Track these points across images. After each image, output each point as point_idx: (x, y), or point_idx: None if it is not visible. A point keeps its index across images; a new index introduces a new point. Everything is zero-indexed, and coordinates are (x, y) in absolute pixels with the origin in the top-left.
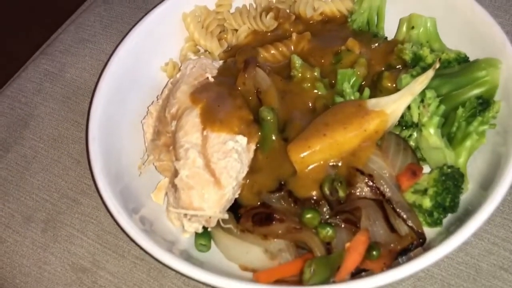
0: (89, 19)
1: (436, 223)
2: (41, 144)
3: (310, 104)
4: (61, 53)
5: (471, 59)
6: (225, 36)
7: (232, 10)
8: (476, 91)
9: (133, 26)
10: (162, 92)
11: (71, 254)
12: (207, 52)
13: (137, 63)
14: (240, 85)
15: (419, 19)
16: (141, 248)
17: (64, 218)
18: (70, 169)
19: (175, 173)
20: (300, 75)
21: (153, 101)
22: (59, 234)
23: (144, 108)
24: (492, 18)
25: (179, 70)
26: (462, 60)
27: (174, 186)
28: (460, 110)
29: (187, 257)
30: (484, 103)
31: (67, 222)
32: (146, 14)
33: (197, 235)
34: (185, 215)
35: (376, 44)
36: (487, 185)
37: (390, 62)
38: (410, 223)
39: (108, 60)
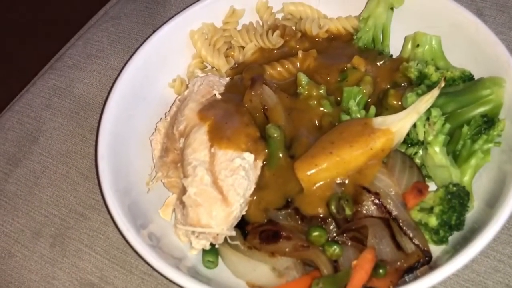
0: (97, 35)
1: (442, 241)
2: (49, 159)
3: (316, 122)
4: (69, 68)
5: (475, 77)
6: (232, 53)
7: (239, 28)
8: (481, 110)
9: (142, 43)
10: (170, 109)
11: (79, 269)
12: (214, 69)
13: (145, 79)
14: (247, 102)
15: (424, 37)
16: (148, 264)
17: (73, 233)
18: (78, 184)
19: (183, 190)
20: (306, 92)
21: (161, 118)
22: (67, 249)
23: (152, 125)
24: (496, 36)
25: (187, 86)
26: (467, 78)
27: (182, 203)
28: (465, 128)
29: (194, 274)
30: (489, 121)
31: (75, 237)
32: (154, 31)
33: (204, 251)
34: (193, 232)
35: (382, 62)
36: (492, 203)
37: (396, 80)
38: (416, 241)
39: (117, 77)
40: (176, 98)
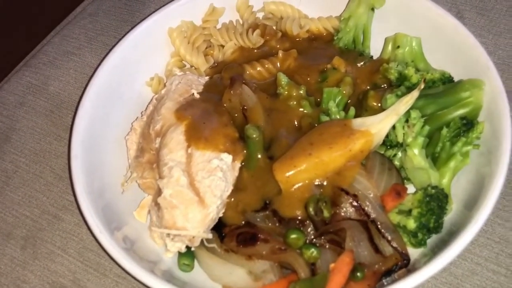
0: (74, 31)
1: (420, 244)
2: (22, 159)
3: (296, 122)
4: (45, 65)
5: (455, 79)
6: (211, 52)
7: (219, 26)
8: (460, 112)
9: (119, 40)
10: (146, 108)
11: (51, 272)
12: (193, 68)
13: (122, 77)
14: (226, 102)
15: (404, 39)
16: (122, 268)
17: (45, 235)
18: (52, 185)
19: (159, 192)
20: (286, 93)
21: (137, 117)
22: (39, 251)
23: (128, 124)
24: (476, 39)
25: (164, 85)
26: (447, 80)
27: (157, 205)
28: (445, 131)
29: (169, 278)
30: (468, 123)
31: (48, 239)
32: (132, 28)
33: (180, 254)
34: (168, 234)
35: (362, 63)
36: (471, 205)
37: (376, 81)
38: (394, 244)
39: (93, 74)
40: (153, 97)
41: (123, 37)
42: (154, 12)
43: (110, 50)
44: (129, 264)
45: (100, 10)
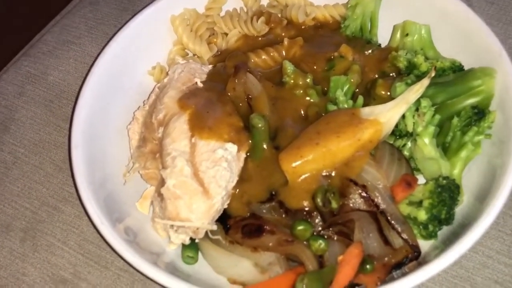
0: (74, 21)
1: (431, 236)
2: (21, 149)
3: (302, 112)
4: (44, 55)
5: (465, 67)
6: (215, 40)
7: (222, 14)
8: (471, 101)
9: (120, 28)
10: (148, 97)
11: (51, 265)
12: (196, 56)
13: (123, 66)
14: (230, 91)
15: (413, 26)
16: (124, 260)
17: (45, 227)
18: (51, 176)
19: (162, 182)
20: (292, 81)
21: (139, 106)
22: (38, 243)
23: (130, 114)
24: (488, 26)
25: (167, 74)
26: (457, 69)
27: (160, 196)
28: (455, 120)
29: (173, 270)
30: (480, 113)
31: (48, 231)
32: (133, 16)
33: (184, 246)
34: (172, 226)
35: (370, 51)
36: (482, 197)
37: (384, 70)
38: (404, 236)
39: (93, 63)
40: (155, 86)
41: (124, 25)
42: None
43: (111, 39)
44: (132, 256)
45: None
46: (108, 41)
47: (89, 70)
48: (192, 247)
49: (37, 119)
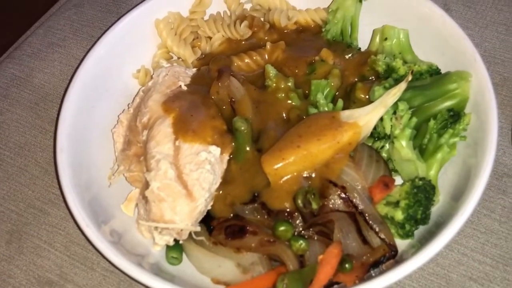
0: (59, 23)
1: (407, 235)
2: (6, 152)
3: (284, 115)
4: (29, 57)
5: (442, 71)
6: (199, 43)
7: (206, 17)
8: (447, 104)
9: (105, 31)
10: (133, 100)
11: (37, 267)
12: (180, 60)
13: (108, 69)
14: (214, 94)
15: (392, 31)
16: (109, 262)
17: (30, 229)
18: (37, 178)
19: (146, 185)
20: (274, 85)
21: (124, 110)
22: (24, 245)
23: (115, 117)
24: (463, 31)
25: (151, 77)
26: (434, 72)
27: (144, 198)
28: (432, 122)
29: (157, 271)
30: (455, 115)
31: (34, 233)
32: (118, 19)
33: (168, 247)
34: (156, 227)
35: (350, 55)
36: (457, 196)
37: (364, 73)
38: (382, 235)
39: (78, 66)
40: (139, 89)
41: (109, 28)
42: (140, 3)
43: (96, 41)
44: (117, 257)
45: (85, 1)
46: (93, 44)
47: (74, 73)
48: (176, 248)
49: (22, 122)
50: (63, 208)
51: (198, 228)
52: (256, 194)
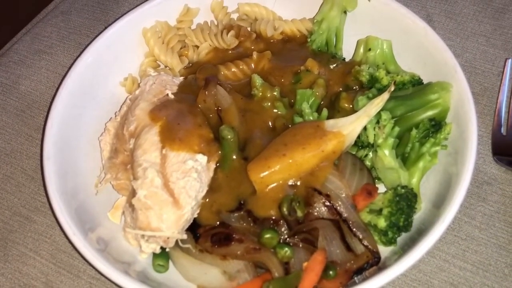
0: (45, 30)
1: (390, 242)
2: None
3: (270, 123)
4: (15, 64)
5: (424, 81)
6: (186, 52)
7: (193, 27)
8: (429, 113)
9: (92, 39)
10: (120, 109)
11: (22, 275)
12: (168, 68)
13: (95, 77)
14: (201, 103)
15: (375, 41)
16: (96, 269)
17: (16, 237)
18: (23, 186)
19: (133, 193)
20: (260, 94)
21: (111, 118)
22: (10, 253)
23: (102, 125)
24: (444, 42)
25: (139, 86)
26: (416, 83)
27: (131, 206)
28: (414, 132)
29: (144, 278)
30: (436, 125)
31: (19, 241)
32: (105, 27)
33: (154, 255)
34: (143, 235)
35: (335, 65)
36: (439, 204)
37: (348, 83)
38: (365, 242)
39: (65, 74)
40: (127, 97)
41: (96, 36)
42: (128, 11)
43: (84, 49)
44: (103, 265)
45: (72, 8)
46: (81, 52)
47: (61, 81)
48: (162, 256)
49: (8, 129)
50: (49, 216)
51: (185, 236)
52: (242, 202)
